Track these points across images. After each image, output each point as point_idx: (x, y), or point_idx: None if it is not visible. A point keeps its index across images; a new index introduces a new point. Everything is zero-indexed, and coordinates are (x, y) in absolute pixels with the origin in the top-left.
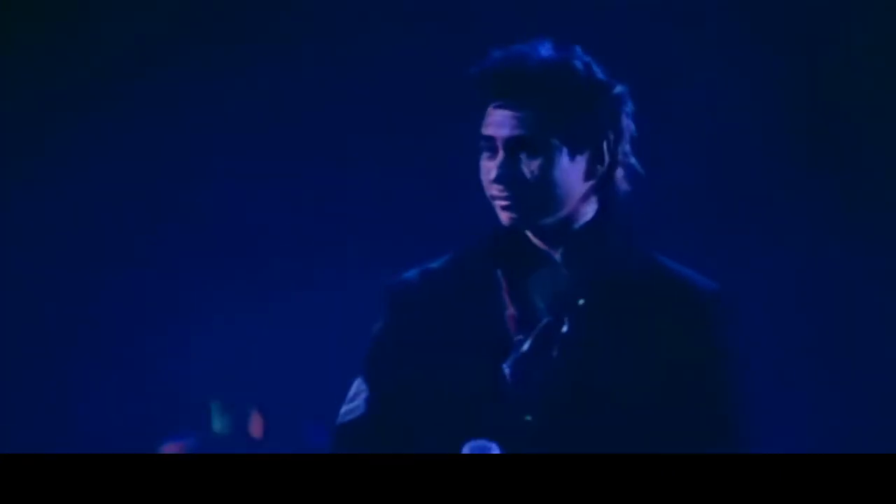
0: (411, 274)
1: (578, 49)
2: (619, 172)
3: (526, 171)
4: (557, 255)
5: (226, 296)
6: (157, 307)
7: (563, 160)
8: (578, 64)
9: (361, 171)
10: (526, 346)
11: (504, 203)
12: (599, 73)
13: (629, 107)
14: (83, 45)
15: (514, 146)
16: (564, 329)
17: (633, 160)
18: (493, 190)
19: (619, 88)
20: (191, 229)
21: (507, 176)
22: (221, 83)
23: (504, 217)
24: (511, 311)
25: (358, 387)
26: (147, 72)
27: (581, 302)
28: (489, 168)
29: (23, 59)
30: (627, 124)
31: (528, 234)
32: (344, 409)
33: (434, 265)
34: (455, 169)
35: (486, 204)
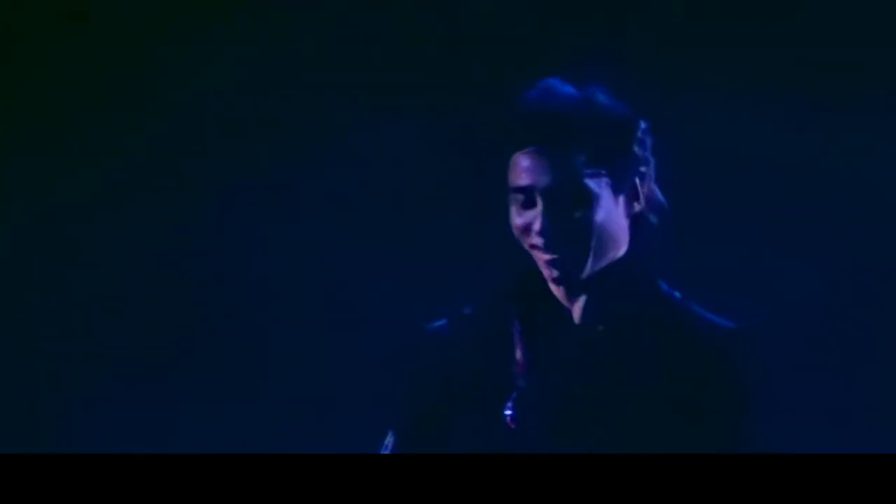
0: (440, 324)
1: (602, 86)
2: (650, 208)
3: (573, 221)
4: (581, 302)
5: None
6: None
7: (609, 204)
8: (609, 101)
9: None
10: (524, 383)
11: (549, 257)
12: (625, 107)
13: (652, 140)
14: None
15: (556, 195)
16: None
17: (659, 195)
18: (535, 242)
19: (643, 124)
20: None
21: (554, 229)
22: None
23: (551, 274)
24: (519, 355)
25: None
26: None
27: (601, 328)
28: (527, 220)
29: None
30: (654, 159)
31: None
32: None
33: (460, 314)
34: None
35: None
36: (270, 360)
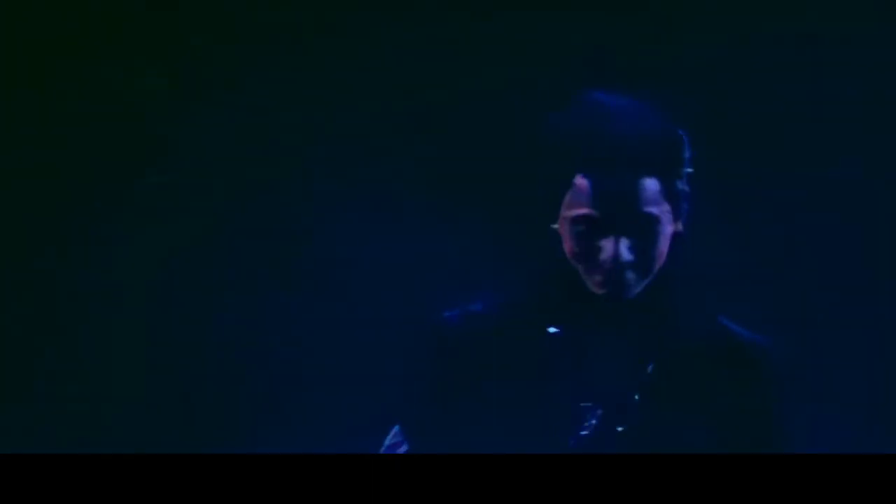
0: (455, 314)
1: (645, 100)
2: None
3: (636, 249)
4: (623, 313)
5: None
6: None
7: (667, 226)
8: (660, 117)
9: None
10: (594, 420)
11: (603, 279)
12: (670, 123)
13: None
14: None
15: (626, 225)
16: (636, 398)
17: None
18: (594, 269)
19: (683, 136)
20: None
21: (618, 258)
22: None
23: (599, 290)
24: (573, 379)
25: (394, 437)
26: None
27: (650, 369)
28: (589, 248)
29: None
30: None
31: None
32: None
33: (479, 307)
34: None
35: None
36: (276, 360)
